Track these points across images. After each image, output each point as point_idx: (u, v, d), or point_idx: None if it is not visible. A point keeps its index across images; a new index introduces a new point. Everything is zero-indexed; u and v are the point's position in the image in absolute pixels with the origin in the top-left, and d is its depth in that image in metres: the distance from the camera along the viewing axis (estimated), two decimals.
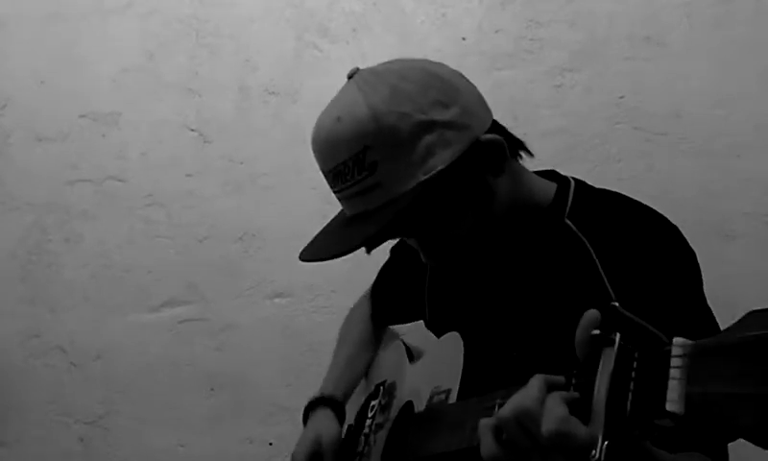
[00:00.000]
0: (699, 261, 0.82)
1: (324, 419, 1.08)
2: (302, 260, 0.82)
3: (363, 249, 0.81)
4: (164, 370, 1.77)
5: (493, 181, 0.81)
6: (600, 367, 0.55)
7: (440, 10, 1.81)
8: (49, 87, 1.86)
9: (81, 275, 1.81)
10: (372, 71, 0.79)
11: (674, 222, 0.84)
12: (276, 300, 1.79)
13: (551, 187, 0.89)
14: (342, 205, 0.82)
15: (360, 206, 0.78)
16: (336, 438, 1.06)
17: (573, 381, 0.60)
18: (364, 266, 1.79)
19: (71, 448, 1.76)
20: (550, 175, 0.92)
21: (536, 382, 0.60)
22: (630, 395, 0.52)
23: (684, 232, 0.83)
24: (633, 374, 0.53)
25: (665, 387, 0.49)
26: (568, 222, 0.84)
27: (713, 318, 0.79)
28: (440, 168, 0.75)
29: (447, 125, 0.76)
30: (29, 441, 1.76)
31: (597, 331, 0.56)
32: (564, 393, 0.59)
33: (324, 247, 0.82)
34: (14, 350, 1.79)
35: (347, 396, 1.15)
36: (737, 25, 1.73)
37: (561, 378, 0.60)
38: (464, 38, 1.79)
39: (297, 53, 1.84)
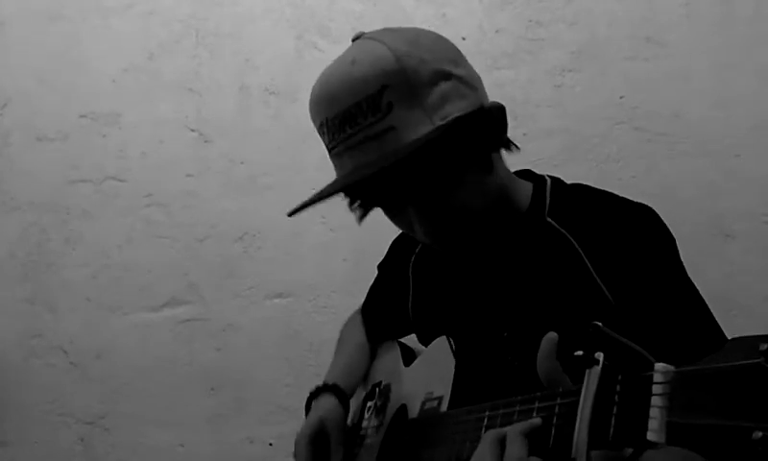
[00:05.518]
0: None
1: (328, 403, 1.01)
2: (290, 215, 0.77)
3: (358, 221, 0.81)
4: (164, 370, 1.77)
5: (493, 155, 0.80)
6: (583, 389, 0.53)
7: (440, 10, 1.81)
8: (49, 87, 1.85)
9: (81, 275, 1.81)
10: (384, 28, 0.78)
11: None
12: (276, 300, 1.78)
13: (529, 187, 0.89)
14: (340, 161, 0.75)
15: (363, 157, 0.71)
16: (341, 420, 0.99)
17: (537, 405, 0.59)
18: (364, 266, 1.80)
19: (71, 448, 1.76)
20: (525, 174, 0.92)
21: (488, 440, 0.59)
22: (613, 419, 0.50)
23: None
24: (616, 397, 0.51)
25: (647, 415, 0.47)
26: (550, 220, 0.85)
27: (697, 292, 0.79)
28: (456, 115, 0.72)
29: (461, 79, 0.75)
30: (29, 441, 1.76)
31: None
32: (521, 425, 0.57)
33: (313, 197, 0.74)
34: (14, 350, 1.79)
35: (351, 388, 1.09)
36: (737, 25, 1.73)
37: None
38: (464, 38, 1.79)
39: (297, 53, 1.84)
